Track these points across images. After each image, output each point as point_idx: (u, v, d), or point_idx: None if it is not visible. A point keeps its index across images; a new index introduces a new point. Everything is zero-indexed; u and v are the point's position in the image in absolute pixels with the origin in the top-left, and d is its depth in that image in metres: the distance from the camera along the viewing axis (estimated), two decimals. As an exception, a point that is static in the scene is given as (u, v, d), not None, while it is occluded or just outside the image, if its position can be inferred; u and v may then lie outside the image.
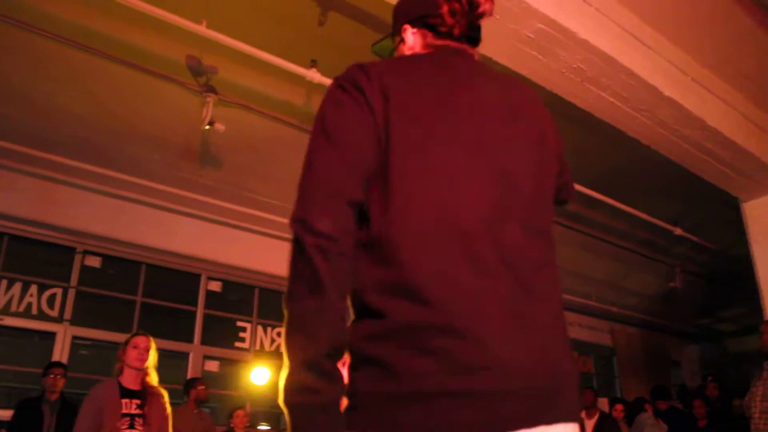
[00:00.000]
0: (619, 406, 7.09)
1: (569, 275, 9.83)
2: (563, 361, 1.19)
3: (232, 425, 6.39)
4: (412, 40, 1.50)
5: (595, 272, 9.97)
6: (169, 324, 7.36)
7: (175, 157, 6.26)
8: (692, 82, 5.05)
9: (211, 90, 5.24)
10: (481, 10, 1.43)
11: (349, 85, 1.28)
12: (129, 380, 4.10)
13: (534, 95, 1.47)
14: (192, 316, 7.47)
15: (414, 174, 1.20)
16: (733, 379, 9.10)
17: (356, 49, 4.95)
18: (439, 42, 1.45)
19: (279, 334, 8.08)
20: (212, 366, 7.41)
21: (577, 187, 6.48)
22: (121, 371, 4.11)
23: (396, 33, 1.56)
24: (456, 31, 1.45)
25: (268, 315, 8.10)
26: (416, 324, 1.10)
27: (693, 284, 10.16)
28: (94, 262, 6.90)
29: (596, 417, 6.79)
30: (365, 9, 4.48)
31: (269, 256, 7.59)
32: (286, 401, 1.11)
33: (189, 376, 7.01)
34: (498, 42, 3.95)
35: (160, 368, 7.13)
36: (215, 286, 7.75)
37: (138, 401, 4.05)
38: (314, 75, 4.68)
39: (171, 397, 6.41)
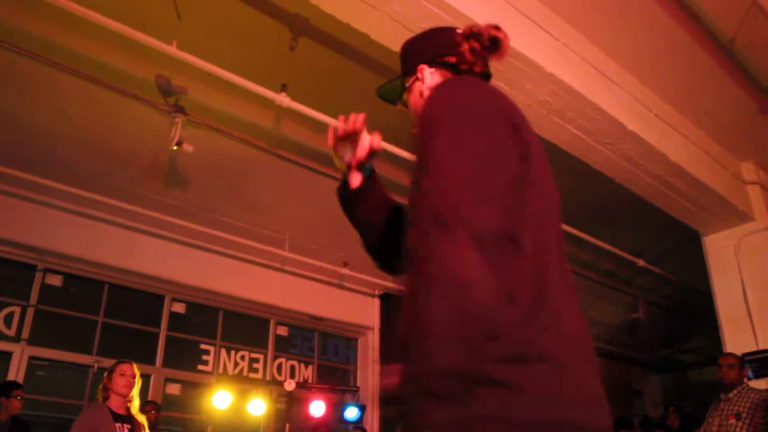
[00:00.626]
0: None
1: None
2: None
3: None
4: (430, 79, 1.51)
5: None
6: (131, 345, 7.23)
7: (141, 176, 6.21)
8: (655, 118, 5.17)
9: (180, 110, 5.22)
10: (500, 48, 1.48)
11: (496, 108, 1.32)
12: (115, 406, 4.16)
13: None
14: (154, 337, 7.35)
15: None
16: (694, 410, 9.19)
17: (326, 75, 5.00)
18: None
19: (242, 358, 7.99)
20: (174, 389, 7.29)
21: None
22: (107, 397, 4.17)
23: (409, 73, 1.57)
24: (477, 69, 1.49)
25: (232, 338, 8.00)
26: None
27: (656, 315, 10.27)
28: (56, 280, 6.78)
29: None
30: (336, 35, 4.52)
31: (235, 279, 7.54)
32: None
33: (150, 398, 6.88)
34: (466, 72, 4.00)
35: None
36: (179, 308, 7.65)
37: (129, 426, 4.13)
38: (284, 99, 4.69)
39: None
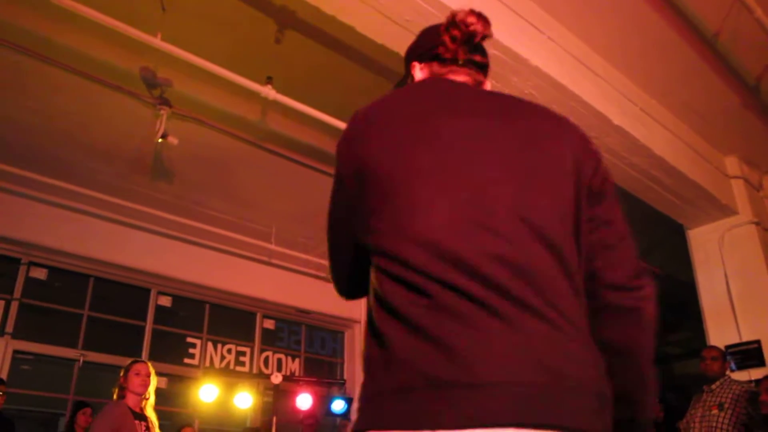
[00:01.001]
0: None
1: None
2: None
3: (178, 443, 6.28)
4: (420, 74, 1.53)
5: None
6: (117, 339, 7.21)
7: (126, 169, 6.18)
8: (640, 112, 5.19)
9: (165, 103, 5.20)
10: (477, 32, 1.45)
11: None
12: (132, 404, 4.21)
13: (551, 122, 1.38)
14: (141, 331, 7.33)
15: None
16: (678, 401, 9.27)
17: (312, 68, 4.99)
18: (444, 69, 1.48)
19: (229, 351, 7.98)
20: (160, 382, 7.21)
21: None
22: (124, 396, 4.22)
23: (407, 73, 1.59)
24: (460, 56, 1.48)
25: (219, 332, 7.99)
26: None
27: (641, 308, 10.33)
28: (40, 274, 6.74)
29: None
30: (322, 28, 4.50)
31: (221, 272, 7.52)
32: None
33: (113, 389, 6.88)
34: (451, 66, 4.00)
35: (106, 383, 7.00)
36: (165, 301, 7.63)
37: (145, 423, 4.20)
38: (269, 92, 4.68)
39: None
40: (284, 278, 8.03)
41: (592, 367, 1.11)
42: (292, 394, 7.25)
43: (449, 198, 1.17)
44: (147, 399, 4.30)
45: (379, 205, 1.21)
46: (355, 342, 8.85)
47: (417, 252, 1.11)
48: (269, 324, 8.46)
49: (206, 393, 6.89)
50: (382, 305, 1.14)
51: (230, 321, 8.14)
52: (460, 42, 1.46)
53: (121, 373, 4.29)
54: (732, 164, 6.53)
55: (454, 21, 1.47)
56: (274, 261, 7.85)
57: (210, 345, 7.87)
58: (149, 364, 4.36)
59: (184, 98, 5.28)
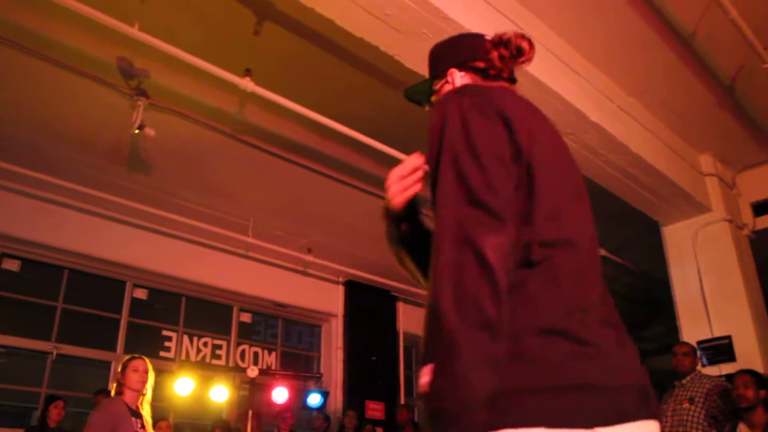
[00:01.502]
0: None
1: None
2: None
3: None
4: (460, 82, 1.58)
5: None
6: (92, 331, 7.15)
7: (102, 160, 6.11)
8: (618, 109, 5.24)
9: (142, 93, 5.14)
10: (526, 57, 1.58)
11: (491, 111, 1.36)
12: (130, 401, 4.25)
13: None
14: (116, 323, 7.27)
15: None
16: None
17: (291, 60, 4.96)
18: (486, 82, 1.56)
19: (205, 344, 7.95)
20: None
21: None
22: (122, 392, 4.25)
23: (438, 76, 1.63)
24: (505, 74, 1.58)
25: (195, 325, 7.95)
26: None
27: (616, 304, 10.39)
28: (13, 265, 6.65)
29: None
30: (301, 20, 4.48)
31: (198, 265, 7.48)
32: None
33: (110, 385, 6.82)
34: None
35: (81, 376, 6.94)
36: (141, 294, 7.58)
37: (140, 421, 4.24)
38: (248, 84, 4.65)
39: (83, 406, 6.26)
40: (261, 271, 8.01)
41: None
42: (268, 388, 7.23)
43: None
44: (144, 395, 4.34)
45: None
46: (332, 336, 8.84)
47: None
48: (246, 317, 8.43)
49: (181, 386, 6.84)
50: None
51: (206, 314, 8.10)
52: (508, 61, 1.57)
53: (119, 369, 4.32)
54: (706, 162, 6.61)
55: (504, 41, 1.57)
56: (251, 254, 7.82)
57: (186, 338, 7.83)
58: (147, 360, 4.37)
59: (161, 89, 5.23)
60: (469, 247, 1.15)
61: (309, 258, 7.97)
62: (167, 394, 7.03)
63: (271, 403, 7.23)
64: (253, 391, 6.92)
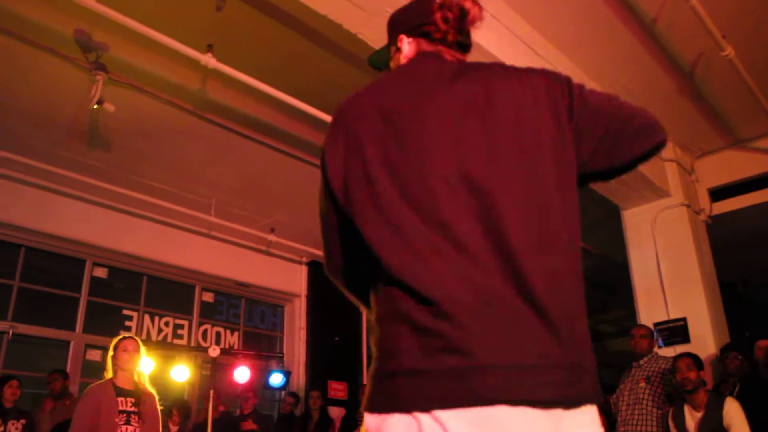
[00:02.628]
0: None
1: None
2: None
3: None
4: (407, 48, 1.57)
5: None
6: (50, 310, 7.04)
7: (60, 135, 5.99)
8: (579, 93, 5.28)
9: (101, 68, 5.04)
10: (471, 17, 1.53)
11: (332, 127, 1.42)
12: (122, 381, 4.34)
13: (532, 74, 1.50)
14: (75, 302, 7.17)
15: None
16: (612, 378, 9.57)
17: (253, 36, 4.90)
18: (432, 48, 1.53)
19: (167, 324, 7.88)
20: (94, 355, 7.14)
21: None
22: (114, 373, 4.34)
23: (392, 43, 1.62)
24: (450, 38, 1.53)
25: (157, 304, 7.88)
26: None
27: (577, 287, 10.56)
28: (-34, 242, 6.52)
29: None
30: (264, -3, 4.43)
31: (159, 244, 7.40)
32: None
33: (69, 365, 6.75)
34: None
35: (37, 356, 6.84)
36: (101, 273, 7.48)
37: (132, 399, 4.30)
38: (209, 60, 4.58)
39: (44, 387, 6.17)
40: (224, 251, 7.96)
41: None
42: (230, 367, 7.21)
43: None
44: (138, 374, 4.45)
45: None
46: (295, 316, 8.84)
47: None
48: (208, 297, 8.38)
49: (142, 365, 6.79)
50: None
51: (168, 293, 8.03)
52: (452, 23, 1.52)
53: (111, 352, 4.40)
54: (666, 148, 6.66)
55: (447, 2, 1.53)
56: (213, 233, 7.76)
57: (147, 317, 7.76)
58: (138, 339, 4.49)
59: (121, 64, 5.13)
60: None
61: (272, 238, 7.93)
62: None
63: (232, 383, 7.22)
64: (215, 370, 6.90)
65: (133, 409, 4.26)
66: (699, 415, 4.38)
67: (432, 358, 1.11)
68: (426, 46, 1.55)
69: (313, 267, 8.80)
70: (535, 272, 1.18)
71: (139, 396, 4.35)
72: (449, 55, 1.52)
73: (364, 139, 1.33)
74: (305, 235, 8.20)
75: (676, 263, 6.34)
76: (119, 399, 4.22)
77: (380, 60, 1.72)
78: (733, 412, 4.26)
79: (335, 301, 9.06)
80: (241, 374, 7.13)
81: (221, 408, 7.17)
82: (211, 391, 6.54)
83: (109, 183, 6.51)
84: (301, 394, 8.24)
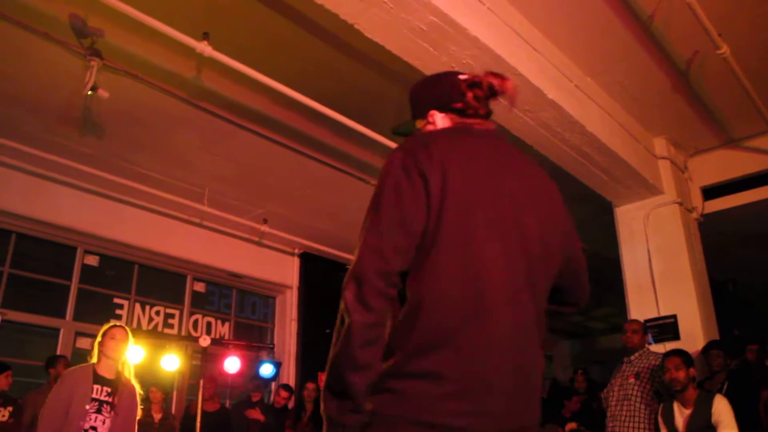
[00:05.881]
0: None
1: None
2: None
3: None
4: (441, 123, 1.77)
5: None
6: (40, 298, 7.01)
7: (53, 121, 5.95)
8: (575, 88, 5.28)
9: (96, 54, 5.00)
10: (500, 92, 1.77)
11: (413, 168, 1.55)
12: (104, 368, 4.26)
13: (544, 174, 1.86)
14: (65, 290, 7.14)
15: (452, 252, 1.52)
16: (601, 374, 9.62)
17: (250, 26, 4.88)
18: (465, 120, 1.76)
19: (157, 313, 7.87)
20: (84, 343, 7.12)
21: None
22: (98, 360, 4.27)
23: (420, 117, 1.83)
24: (481, 112, 1.77)
25: (148, 293, 7.86)
26: None
27: (569, 283, 10.59)
28: (-44, 229, 6.47)
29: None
30: (261, -15, 4.41)
31: (151, 232, 7.38)
32: None
33: (59, 353, 6.72)
34: (390, 31, 3.98)
35: (27, 344, 6.81)
36: (92, 260, 7.45)
37: (108, 389, 4.22)
38: (205, 48, 4.55)
39: (32, 375, 6.15)
40: (216, 241, 7.94)
41: None
42: (221, 358, 7.20)
43: None
44: (122, 364, 4.38)
45: None
46: (286, 308, 8.83)
47: None
48: (199, 287, 8.36)
49: (132, 354, 6.77)
50: None
51: (160, 282, 8.01)
52: (482, 101, 1.76)
53: (98, 338, 4.35)
54: (660, 145, 6.73)
55: (477, 81, 1.76)
56: (206, 223, 7.74)
57: (138, 306, 7.74)
58: (127, 329, 4.43)
59: (115, 50, 5.09)
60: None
61: (264, 228, 7.91)
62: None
63: (223, 373, 7.21)
64: (205, 360, 6.91)
65: (107, 398, 4.18)
66: (688, 412, 4.40)
67: None
68: (458, 119, 1.77)
69: (305, 259, 8.79)
70: None
71: (117, 386, 4.27)
72: (480, 125, 1.76)
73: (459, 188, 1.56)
74: (298, 226, 8.20)
75: (668, 261, 6.36)
76: (95, 386, 4.15)
77: (406, 131, 1.86)
78: (721, 409, 4.28)
79: (326, 293, 9.09)
80: (232, 364, 7.14)
81: (217, 404, 7.17)
82: (201, 381, 6.55)
83: (101, 170, 6.48)
84: (292, 385, 8.24)
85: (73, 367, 4.34)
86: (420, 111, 1.83)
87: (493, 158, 1.67)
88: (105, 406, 4.15)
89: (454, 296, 1.48)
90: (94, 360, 4.29)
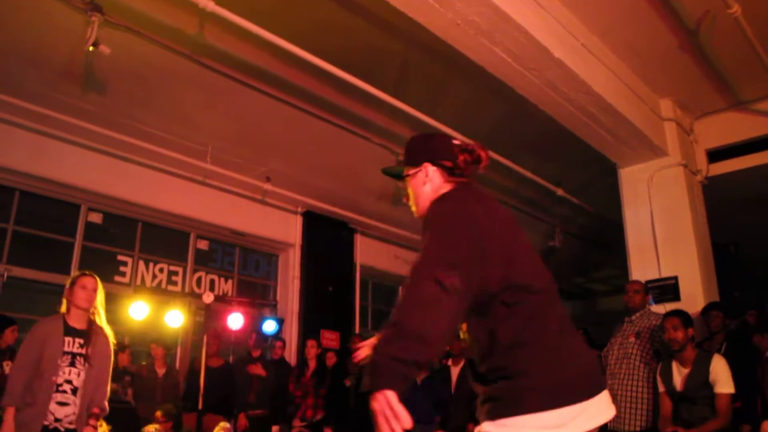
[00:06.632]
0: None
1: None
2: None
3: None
4: (433, 175, 2.15)
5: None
6: (44, 254, 7.04)
7: (55, 77, 5.90)
8: (581, 47, 5.22)
9: (97, 9, 4.94)
10: (483, 164, 2.17)
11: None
12: (75, 319, 4.09)
13: None
14: (69, 247, 7.17)
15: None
16: (601, 335, 9.70)
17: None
18: (453, 179, 2.14)
19: (161, 270, 7.91)
20: (88, 300, 7.16)
21: (466, 139, 6.62)
22: (67, 310, 4.10)
23: (413, 164, 2.19)
24: (466, 173, 2.15)
25: (151, 250, 7.89)
26: None
27: (571, 244, 10.65)
28: (-40, 185, 6.47)
29: (461, 363, 7.14)
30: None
31: (154, 190, 7.38)
32: None
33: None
34: (396, -14, 3.93)
35: (32, 300, 6.87)
36: (96, 218, 7.46)
37: (81, 340, 4.06)
38: (208, 3, 4.50)
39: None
40: (219, 199, 7.93)
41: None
42: (224, 314, 7.27)
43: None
44: (95, 314, 4.18)
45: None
46: (289, 266, 8.87)
47: None
48: (203, 245, 8.40)
49: (137, 310, 6.85)
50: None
51: (163, 240, 8.03)
52: (470, 165, 2.15)
53: (67, 285, 4.17)
54: (666, 107, 6.68)
55: (468, 149, 2.16)
56: (209, 181, 7.73)
57: (142, 263, 7.78)
58: (97, 278, 4.21)
59: (117, 5, 5.04)
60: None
61: (267, 186, 7.90)
62: (122, 318, 7.03)
63: (226, 329, 7.28)
64: (209, 316, 6.97)
65: (80, 350, 4.01)
66: (686, 371, 4.44)
67: None
68: (447, 177, 2.14)
69: (308, 217, 8.81)
70: None
71: (89, 337, 4.09)
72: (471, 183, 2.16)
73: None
74: (301, 184, 8.19)
75: (671, 223, 6.36)
76: (67, 339, 3.97)
77: (396, 173, 2.29)
78: (719, 369, 4.32)
79: (329, 251, 9.12)
80: (235, 321, 7.20)
81: (221, 360, 7.25)
82: (205, 337, 6.62)
83: (104, 127, 6.44)
84: (294, 342, 8.33)
85: (41, 319, 4.15)
86: (415, 160, 2.19)
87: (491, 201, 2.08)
88: (78, 358, 4.00)
89: None
90: (63, 310, 4.10)
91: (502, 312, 1.85)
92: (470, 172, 2.16)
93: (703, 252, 6.33)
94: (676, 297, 6.03)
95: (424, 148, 2.21)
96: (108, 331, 4.27)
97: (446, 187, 2.11)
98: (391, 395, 1.58)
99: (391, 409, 1.57)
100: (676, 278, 6.10)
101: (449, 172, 2.14)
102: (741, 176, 7.07)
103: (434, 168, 2.14)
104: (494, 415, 1.81)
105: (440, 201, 2.00)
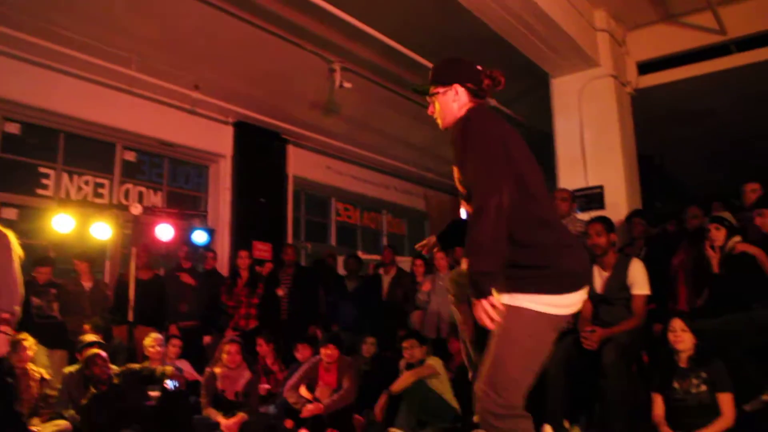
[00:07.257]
0: (419, 261, 7.45)
1: (392, 140, 10.06)
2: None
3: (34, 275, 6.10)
4: (461, 95, 2.50)
5: (415, 139, 10.28)
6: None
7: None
8: (519, -47, 5.13)
9: None
10: (501, 87, 2.52)
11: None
12: None
13: None
14: (-15, 160, 6.83)
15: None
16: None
17: None
18: (477, 100, 2.51)
19: (86, 183, 7.65)
20: (10, 214, 6.92)
21: (409, 53, 6.51)
22: None
23: (442, 83, 2.53)
24: (487, 96, 2.53)
25: (76, 162, 7.59)
26: None
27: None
28: None
29: (393, 272, 7.27)
30: None
31: (77, 99, 7.04)
32: None
33: (-19, 221, 6.51)
34: None
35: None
36: (13, 128, 7.10)
37: None
38: None
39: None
40: (146, 108, 7.62)
41: None
42: (152, 226, 7.11)
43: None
44: None
45: None
46: (220, 177, 8.71)
47: None
48: (130, 156, 8.12)
49: (61, 223, 6.63)
50: None
51: (87, 151, 7.73)
52: (491, 87, 2.51)
53: None
54: (600, 17, 6.70)
55: (490, 74, 2.50)
56: (135, 89, 7.40)
57: (65, 176, 7.49)
58: None
59: None
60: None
61: (196, 95, 7.63)
62: (46, 231, 6.82)
63: (155, 241, 7.15)
64: (137, 228, 6.83)
65: None
66: (606, 274, 4.60)
67: None
68: (471, 97, 2.50)
69: (240, 128, 8.60)
70: None
71: None
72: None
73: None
74: (232, 93, 7.95)
75: (599, 133, 6.50)
76: None
77: (424, 90, 2.61)
78: (636, 272, 4.48)
79: (261, 162, 8.99)
80: (164, 232, 7.07)
81: (151, 271, 7.14)
82: (133, 249, 6.50)
83: (19, 32, 6.04)
84: (227, 254, 8.27)
85: None
86: (445, 80, 2.53)
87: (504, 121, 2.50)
88: None
89: None
90: None
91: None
92: (489, 94, 2.53)
93: (629, 163, 6.52)
94: (601, 205, 6.23)
95: (455, 71, 2.55)
96: (4, 230, 3.80)
97: (469, 106, 2.47)
98: (484, 302, 2.18)
99: (486, 311, 2.18)
100: (601, 187, 6.28)
101: (473, 94, 2.50)
102: (669, 89, 7.23)
103: (462, 89, 2.50)
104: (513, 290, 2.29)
105: (473, 120, 2.37)
